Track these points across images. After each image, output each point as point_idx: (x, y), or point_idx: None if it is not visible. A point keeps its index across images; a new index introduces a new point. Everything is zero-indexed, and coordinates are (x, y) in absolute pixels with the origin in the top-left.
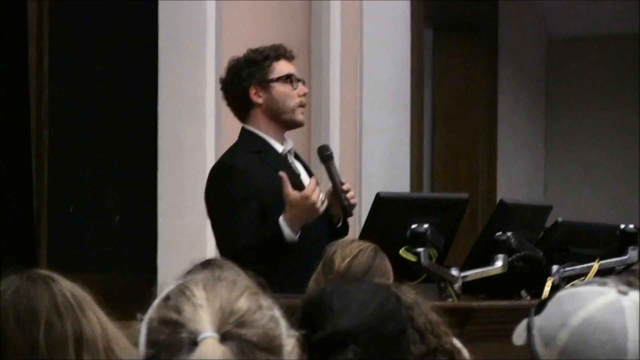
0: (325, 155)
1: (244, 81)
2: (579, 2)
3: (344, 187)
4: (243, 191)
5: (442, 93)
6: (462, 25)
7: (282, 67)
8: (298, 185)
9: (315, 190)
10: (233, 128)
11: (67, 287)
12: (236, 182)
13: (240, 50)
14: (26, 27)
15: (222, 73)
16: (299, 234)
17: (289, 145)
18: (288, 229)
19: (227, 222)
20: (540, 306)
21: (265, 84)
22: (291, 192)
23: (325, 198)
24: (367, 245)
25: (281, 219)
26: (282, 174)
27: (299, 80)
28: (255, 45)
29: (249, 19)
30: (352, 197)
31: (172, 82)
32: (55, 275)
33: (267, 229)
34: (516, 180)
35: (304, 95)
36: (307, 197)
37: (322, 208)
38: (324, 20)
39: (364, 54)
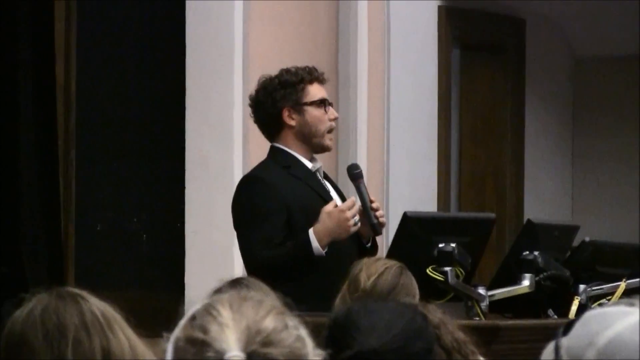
0: (354, 173)
1: (278, 102)
2: (606, 22)
3: (374, 205)
4: (271, 203)
5: (468, 113)
6: (489, 45)
7: (315, 91)
8: (327, 199)
9: (352, 207)
10: (260, 147)
11: (97, 305)
12: (265, 194)
13: (267, 71)
14: (53, 49)
15: (252, 91)
16: (326, 249)
17: (318, 164)
18: (317, 243)
19: (254, 231)
20: (568, 326)
21: (299, 106)
22: (329, 204)
23: (358, 219)
24: (393, 264)
25: (311, 231)
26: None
27: (330, 104)
28: (282, 65)
29: (276, 40)
30: (382, 216)
31: (199, 101)
32: (85, 294)
33: (295, 242)
34: (543, 200)
35: (335, 119)
36: (342, 211)
37: (354, 229)
38: (352, 40)
39: (390, 73)
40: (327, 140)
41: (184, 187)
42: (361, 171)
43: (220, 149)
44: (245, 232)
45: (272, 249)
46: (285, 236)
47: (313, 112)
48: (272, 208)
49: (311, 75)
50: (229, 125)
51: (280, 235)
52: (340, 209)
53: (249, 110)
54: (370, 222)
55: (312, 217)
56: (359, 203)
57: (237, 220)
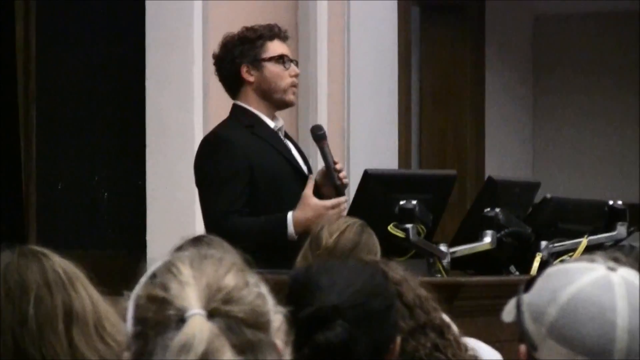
0: (318, 134)
1: (236, 59)
2: None
3: (337, 166)
4: (234, 165)
5: (429, 72)
6: (448, 4)
7: (275, 47)
8: (291, 160)
9: (337, 207)
10: (221, 105)
11: (59, 263)
12: (227, 155)
13: (226, 30)
14: (13, 3)
15: (216, 49)
16: (297, 236)
17: (280, 122)
18: (292, 228)
19: (218, 193)
20: (529, 283)
21: (257, 63)
22: (311, 196)
23: (319, 178)
24: (354, 222)
25: (290, 216)
26: (311, 176)
27: (291, 61)
28: (242, 23)
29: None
30: (345, 177)
31: (159, 59)
32: (47, 252)
33: (269, 220)
34: (504, 158)
35: (296, 76)
36: (327, 208)
37: None
38: (311, 0)
39: (350, 33)
40: (290, 95)
41: (144, 145)
42: (325, 132)
43: (181, 106)
44: (208, 193)
45: (243, 217)
46: (248, 197)
47: (271, 68)
48: (236, 169)
49: (271, 31)
50: (189, 83)
51: (244, 197)
52: (324, 206)
53: (208, 69)
54: (333, 183)
55: (275, 178)
56: (321, 164)
57: (199, 181)
